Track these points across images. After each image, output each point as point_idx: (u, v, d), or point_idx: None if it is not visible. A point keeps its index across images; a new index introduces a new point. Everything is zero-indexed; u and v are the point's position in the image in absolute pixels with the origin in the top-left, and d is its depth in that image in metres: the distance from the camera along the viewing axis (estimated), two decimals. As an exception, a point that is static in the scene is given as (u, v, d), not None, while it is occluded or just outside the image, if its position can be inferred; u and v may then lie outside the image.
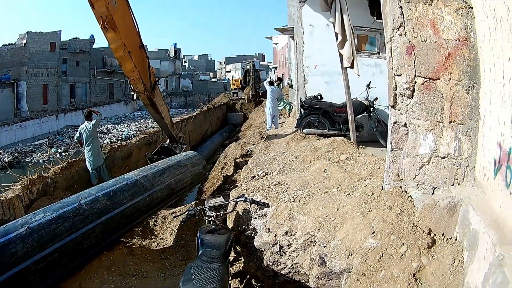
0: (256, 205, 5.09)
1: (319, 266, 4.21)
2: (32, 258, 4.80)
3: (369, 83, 9.95)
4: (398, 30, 3.87)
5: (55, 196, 9.61)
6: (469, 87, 3.50)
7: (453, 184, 3.50)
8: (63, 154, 22.69)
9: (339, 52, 8.12)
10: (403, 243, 3.45)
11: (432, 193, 3.67)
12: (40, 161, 26.13)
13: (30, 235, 4.97)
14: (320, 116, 10.18)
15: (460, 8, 3.44)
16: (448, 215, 3.36)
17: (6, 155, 28.39)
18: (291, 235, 4.79)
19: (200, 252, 4.27)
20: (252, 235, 5.23)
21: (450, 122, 3.48)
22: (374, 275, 3.44)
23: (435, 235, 3.40)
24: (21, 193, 8.71)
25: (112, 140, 30.36)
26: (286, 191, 5.74)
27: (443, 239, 3.34)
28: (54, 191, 10.07)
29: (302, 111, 10.67)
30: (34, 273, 4.79)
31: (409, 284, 3.17)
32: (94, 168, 11.72)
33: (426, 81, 3.68)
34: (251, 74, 40.83)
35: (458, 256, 3.11)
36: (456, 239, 3.25)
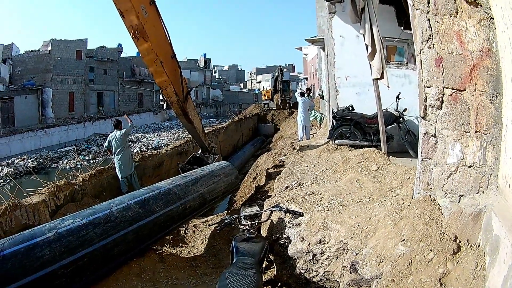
0: (291, 215, 5.13)
1: (350, 273, 4.26)
2: (59, 263, 4.85)
3: (399, 94, 9.93)
4: (427, 42, 3.93)
5: (83, 203, 9.73)
6: (492, 97, 3.54)
7: (478, 192, 3.54)
8: (91, 161, 23.06)
9: (369, 63, 8.20)
10: (431, 250, 3.50)
11: (459, 201, 3.71)
12: (67, 167, 26.25)
13: (58, 240, 5.03)
14: (352, 127, 10.22)
15: (482, 19, 3.47)
16: (472, 222, 3.41)
17: (30, 160, 28.40)
18: (324, 243, 4.86)
19: (234, 260, 4.32)
20: (286, 243, 5.28)
21: (476, 132, 3.52)
22: (402, 281, 3.49)
23: (460, 241, 3.44)
24: (47, 199, 8.71)
25: (142, 149, 30.24)
26: (320, 200, 5.84)
27: (468, 245, 3.38)
28: (82, 198, 10.13)
29: (334, 122, 10.69)
30: (61, 277, 4.84)
31: (435, 289, 3.21)
32: (124, 177, 11.72)
33: (454, 92, 3.73)
34: (279, 79, 41.13)
35: (481, 261, 3.15)
36: (479, 245, 3.28)
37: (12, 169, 25.41)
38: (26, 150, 33.78)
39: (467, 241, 3.42)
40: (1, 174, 24.29)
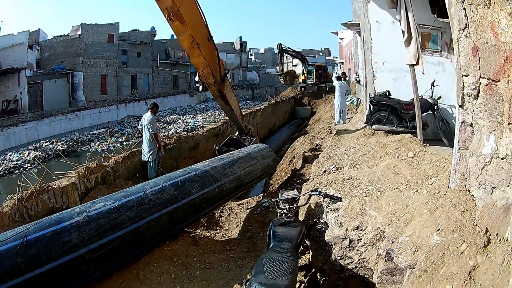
0: (329, 199, 5.23)
1: (385, 261, 4.33)
2: (88, 247, 4.87)
3: (434, 81, 9.79)
4: (464, 31, 3.92)
5: (115, 185, 9.71)
6: (523, 90, 3.51)
7: (508, 185, 3.51)
8: (124, 143, 22.43)
9: (406, 49, 8.14)
10: (463, 241, 3.52)
11: (491, 193, 3.69)
12: (99, 150, 26.26)
13: (87, 224, 5.05)
14: (389, 113, 10.16)
15: None
16: (503, 215, 3.40)
17: (60, 143, 28.21)
18: (361, 230, 4.91)
19: (272, 244, 4.41)
20: (323, 229, 5.35)
21: (509, 124, 3.49)
22: (435, 272, 3.52)
23: (490, 234, 3.44)
24: (77, 181, 8.62)
25: (177, 131, 30.11)
26: (359, 186, 5.88)
27: (497, 238, 3.37)
28: (114, 180, 10.09)
29: (372, 107, 10.67)
30: (88, 261, 4.87)
31: (464, 282, 3.24)
32: (146, 161, 11.33)
33: (489, 82, 3.70)
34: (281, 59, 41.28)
35: (508, 256, 3.14)
36: (507, 240, 3.27)
37: (40, 153, 25.46)
38: (56, 133, 33.71)
39: (497, 234, 3.41)
40: (28, 158, 24.30)
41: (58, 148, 26.70)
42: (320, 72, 41.17)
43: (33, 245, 4.51)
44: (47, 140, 29.55)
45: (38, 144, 27.95)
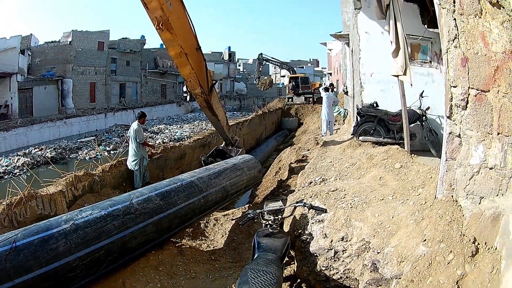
0: (314, 211, 5.16)
1: (371, 272, 4.28)
2: (75, 255, 4.85)
3: (422, 92, 9.89)
4: (453, 42, 3.92)
5: (102, 194, 9.76)
6: (514, 100, 3.52)
7: (497, 195, 3.52)
8: (112, 152, 23.07)
9: (393, 60, 8.15)
10: (451, 251, 3.51)
11: (479, 203, 3.69)
12: (87, 158, 26.51)
13: (74, 232, 5.02)
14: (376, 124, 10.19)
15: (505, 21, 3.42)
16: (491, 224, 3.39)
17: (48, 150, 28.45)
18: (347, 240, 4.86)
19: (256, 255, 4.35)
20: (308, 240, 5.28)
21: (498, 133, 3.50)
22: (421, 282, 3.50)
23: (478, 244, 3.43)
24: (64, 189, 8.67)
25: (164, 141, 30.54)
26: (344, 197, 5.83)
27: (485, 248, 3.37)
28: (101, 189, 10.12)
29: (359, 119, 10.69)
30: (75, 269, 4.85)
31: (451, 291, 3.21)
32: (132, 170, 11.32)
33: (478, 93, 3.70)
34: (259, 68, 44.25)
35: (497, 264, 3.14)
36: (496, 248, 3.27)
37: (29, 159, 25.64)
38: (45, 140, 33.98)
39: (485, 243, 3.41)
40: (17, 164, 24.47)
41: (46, 155, 26.89)
42: (297, 82, 41.97)
43: (22, 251, 4.50)
44: (36, 146, 29.91)
45: (27, 150, 28.22)
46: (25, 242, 4.60)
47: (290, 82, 42.90)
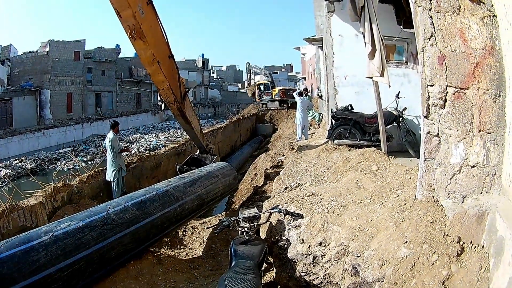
0: (290, 216, 5.11)
1: (352, 276, 4.22)
2: (56, 266, 4.83)
3: (398, 93, 9.92)
4: (430, 40, 3.90)
5: (81, 205, 9.74)
6: (496, 96, 3.52)
7: (481, 193, 3.52)
8: (89, 162, 22.80)
9: (368, 62, 8.12)
10: (434, 252, 3.48)
11: (462, 202, 3.68)
12: (65, 169, 26.44)
13: (54, 243, 5.00)
14: (351, 127, 10.20)
15: (485, 17, 3.43)
16: (476, 223, 3.38)
17: (28, 162, 28.52)
18: (325, 245, 4.79)
19: (233, 263, 4.26)
20: (286, 246, 5.22)
21: (479, 131, 3.49)
22: (405, 284, 3.46)
23: (464, 243, 3.42)
24: (44, 201, 8.71)
25: (140, 150, 30.49)
26: (320, 202, 5.74)
27: (471, 246, 3.37)
28: (79, 200, 10.14)
29: (333, 122, 10.67)
30: (57, 280, 4.82)
31: (438, 292, 3.18)
32: (110, 180, 11.31)
33: (457, 91, 3.69)
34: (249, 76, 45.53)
35: (485, 263, 3.14)
36: (483, 247, 3.27)
37: (10, 171, 25.48)
38: (24, 151, 34.03)
39: (471, 242, 3.40)
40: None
41: (26, 166, 27.12)
42: (260, 89, 43.70)
43: (6, 263, 4.51)
44: (17, 158, 30.19)
45: (8, 162, 28.26)
46: (9, 254, 4.58)
47: (258, 88, 43.51)
